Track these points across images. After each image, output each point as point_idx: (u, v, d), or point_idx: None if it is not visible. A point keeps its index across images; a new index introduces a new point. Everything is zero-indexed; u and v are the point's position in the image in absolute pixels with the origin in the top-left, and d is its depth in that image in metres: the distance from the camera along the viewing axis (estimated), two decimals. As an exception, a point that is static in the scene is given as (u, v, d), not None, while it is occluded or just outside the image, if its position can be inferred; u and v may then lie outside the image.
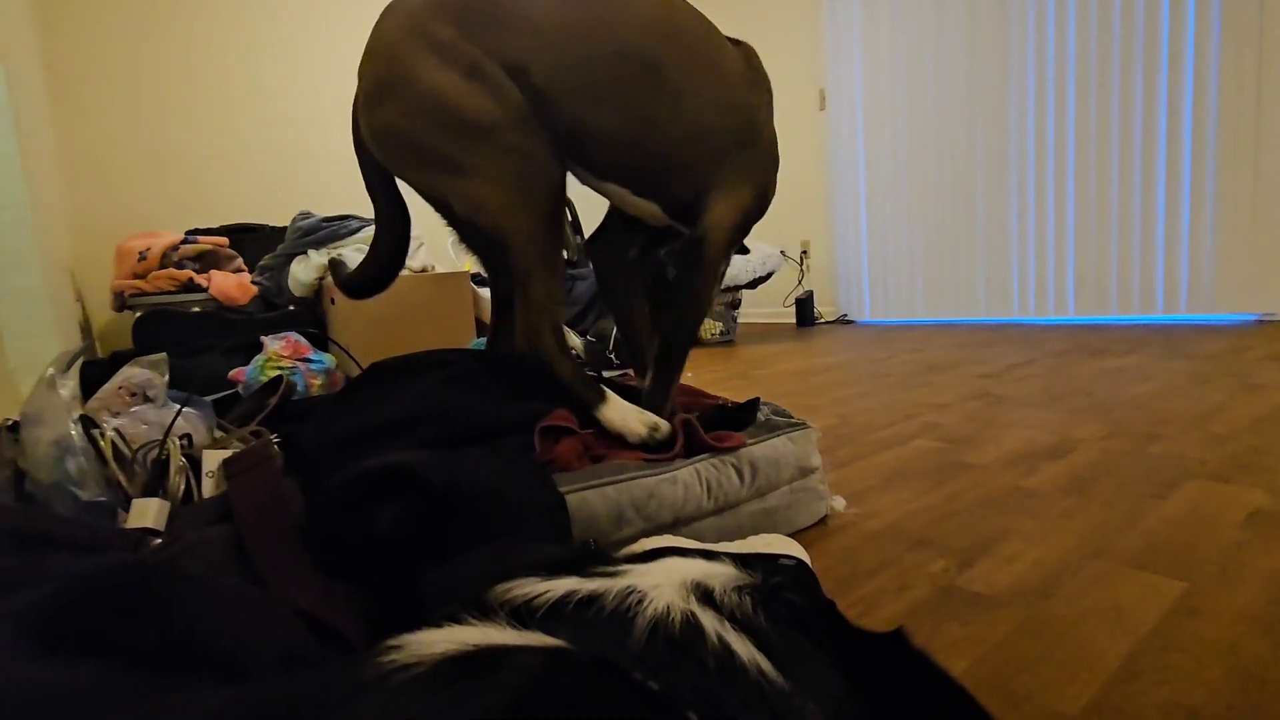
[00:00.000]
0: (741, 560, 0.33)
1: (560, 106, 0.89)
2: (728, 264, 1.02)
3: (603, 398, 0.87)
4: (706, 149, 0.95)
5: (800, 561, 0.52)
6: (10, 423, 0.77)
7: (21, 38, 2.19)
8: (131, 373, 0.86)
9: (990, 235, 3.45)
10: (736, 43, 1.01)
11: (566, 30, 0.89)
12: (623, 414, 0.86)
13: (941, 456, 1.19)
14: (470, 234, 1.07)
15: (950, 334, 3.09)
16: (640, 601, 0.27)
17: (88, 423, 0.72)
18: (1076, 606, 0.66)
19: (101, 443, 0.67)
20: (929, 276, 3.72)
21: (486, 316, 1.42)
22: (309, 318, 2.43)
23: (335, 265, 1.25)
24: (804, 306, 4.03)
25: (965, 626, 0.64)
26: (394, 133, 0.90)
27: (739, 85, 0.97)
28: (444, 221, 1.06)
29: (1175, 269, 2.92)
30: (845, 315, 4.10)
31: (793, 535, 0.84)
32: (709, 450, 0.84)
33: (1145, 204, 2.96)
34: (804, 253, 4.24)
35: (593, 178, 0.96)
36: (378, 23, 0.91)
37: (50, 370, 0.68)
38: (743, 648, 0.24)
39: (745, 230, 0.98)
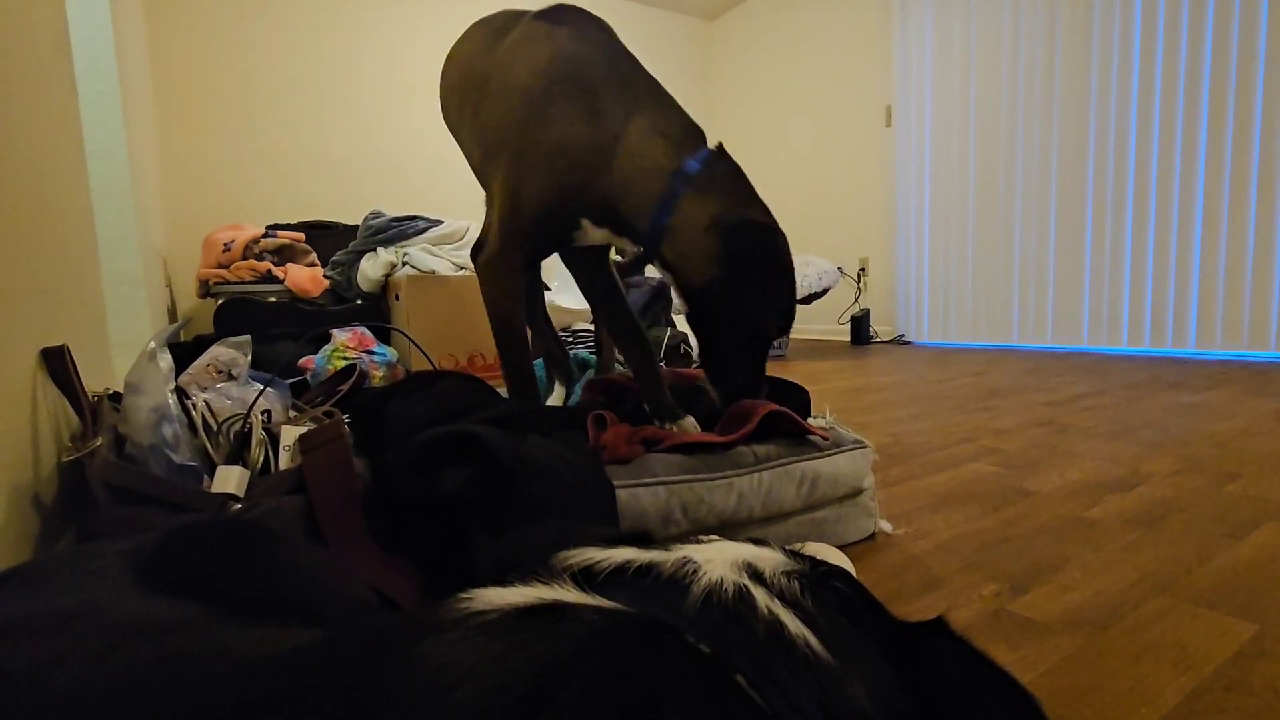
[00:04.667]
0: (790, 553, 0.34)
1: None
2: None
3: None
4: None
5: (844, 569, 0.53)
6: (111, 392, 0.84)
7: (133, 40, 2.37)
8: (219, 352, 0.92)
9: (1062, 260, 3.32)
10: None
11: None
12: None
13: (999, 482, 1.16)
14: None
15: (1014, 359, 2.99)
16: (695, 571, 0.28)
17: (180, 394, 0.78)
18: (1136, 640, 0.64)
19: (193, 413, 0.72)
20: (993, 300, 3.61)
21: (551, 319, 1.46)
22: (375, 312, 2.54)
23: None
24: (859, 324, 3.96)
25: (1015, 651, 0.63)
26: None
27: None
28: None
29: (1264, 302, 2.74)
30: (902, 335, 4.01)
31: (840, 549, 0.84)
32: (800, 435, 0.87)
33: (1232, 232, 2.80)
34: (862, 270, 4.18)
35: None
36: None
37: (151, 343, 0.74)
38: (792, 622, 0.25)
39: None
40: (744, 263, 0.85)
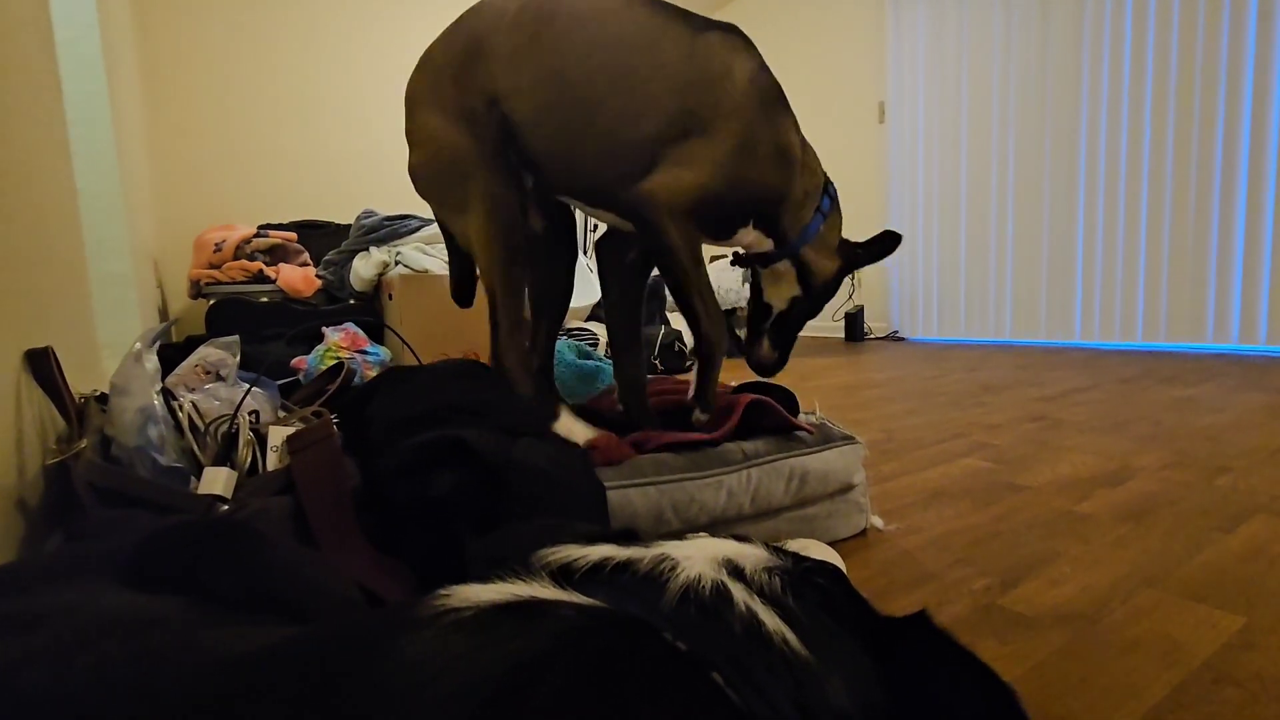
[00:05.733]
0: (773, 549, 0.34)
1: (521, 132, 0.99)
2: (691, 234, 0.98)
3: (556, 415, 0.93)
4: (635, 155, 0.97)
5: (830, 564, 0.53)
6: (98, 394, 0.83)
7: (122, 39, 2.35)
8: (207, 352, 0.91)
9: (1054, 255, 3.34)
10: (726, 28, 1.01)
11: (517, 60, 0.98)
12: (569, 427, 0.92)
13: (990, 477, 1.16)
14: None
15: (1008, 355, 2.99)
16: (673, 568, 0.28)
17: (167, 395, 0.78)
18: (1125, 634, 0.64)
19: (180, 414, 0.72)
20: (986, 295, 3.62)
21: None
22: (368, 312, 2.53)
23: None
24: (854, 321, 3.97)
25: (1004, 645, 0.63)
26: (418, 176, 1.07)
27: (668, 88, 0.97)
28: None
29: (1254, 297, 2.76)
30: (896, 332, 4.02)
31: (831, 545, 0.84)
32: (783, 427, 0.87)
33: (1223, 226, 2.81)
34: (856, 267, 4.18)
35: (554, 194, 1.05)
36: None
37: (137, 345, 0.74)
38: (770, 619, 0.25)
39: (704, 202, 0.96)
40: (852, 268, 1.06)
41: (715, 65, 0.98)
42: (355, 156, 3.52)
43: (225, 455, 0.72)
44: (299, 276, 2.61)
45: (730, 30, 1.02)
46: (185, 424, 0.72)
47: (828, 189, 1.04)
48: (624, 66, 0.98)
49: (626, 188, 0.96)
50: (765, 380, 1.10)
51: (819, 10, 4.19)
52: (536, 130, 1.01)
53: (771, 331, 1.11)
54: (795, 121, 1.01)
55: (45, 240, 0.86)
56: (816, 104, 4.28)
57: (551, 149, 1.01)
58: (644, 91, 0.97)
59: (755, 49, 1.02)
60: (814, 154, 1.04)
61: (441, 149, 1.03)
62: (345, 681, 0.20)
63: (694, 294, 0.97)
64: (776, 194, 0.99)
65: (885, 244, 1.04)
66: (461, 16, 1.08)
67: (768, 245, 1.04)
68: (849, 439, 0.93)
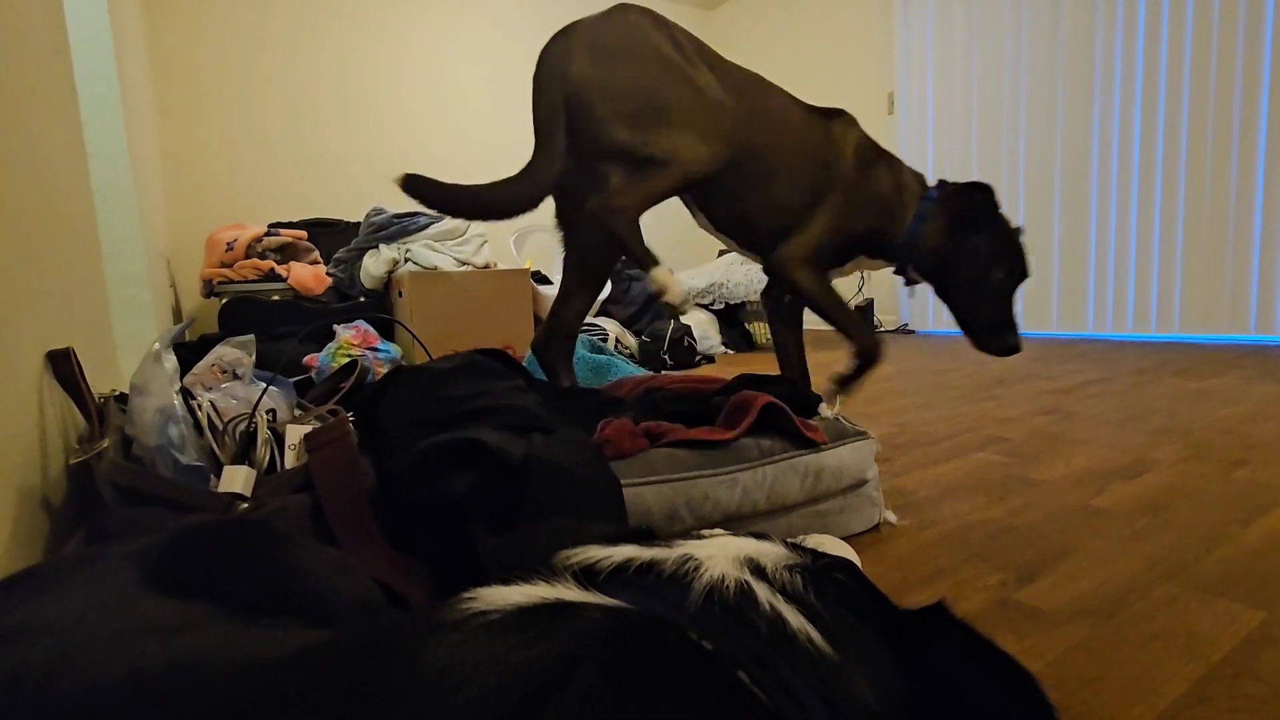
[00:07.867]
0: (792, 546, 0.34)
1: (730, 165, 1.11)
2: (822, 272, 1.24)
3: (657, 263, 1.02)
4: (785, 216, 1.20)
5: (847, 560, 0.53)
6: (117, 394, 0.84)
7: (133, 41, 2.37)
8: (223, 352, 0.92)
9: (1067, 246, 3.30)
10: (830, 113, 1.24)
11: (755, 113, 1.15)
12: (665, 279, 1.02)
13: (1004, 471, 1.15)
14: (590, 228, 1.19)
15: (1019, 347, 2.97)
16: (697, 569, 0.28)
17: (185, 395, 0.79)
18: (1143, 629, 0.64)
19: (199, 414, 0.73)
20: (998, 287, 3.58)
21: (544, 312, 1.46)
22: (378, 309, 2.55)
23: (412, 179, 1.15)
24: (864, 315, 3.94)
25: (1021, 640, 0.63)
26: (619, 82, 1.05)
27: (809, 163, 1.19)
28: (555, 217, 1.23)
29: (1271, 285, 2.72)
30: (906, 324, 4.00)
31: (845, 540, 0.84)
32: (797, 437, 0.87)
33: (1239, 215, 2.77)
34: (866, 260, 4.16)
35: (712, 227, 1.21)
36: (610, 18, 1.11)
37: (156, 345, 0.74)
38: (794, 617, 0.25)
39: (818, 251, 1.21)
40: (959, 225, 1.18)
41: (835, 148, 1.21)
42: (364, 154, 3.53)
43: (243, 454, 0.73)
44: (310, 274, 2.63)
45: (843, 115, 1.25)
46: (204, 423, 0.73)
47: (928, 194, 1.20)
48: (793, 151, 1.20)
49: (773, 242, 1.19)
50: (788, 379, 1.12)
51: (826, 1, 4.16)
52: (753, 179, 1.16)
53: (964, 323, 1.28)
54: (892, 166, 1.21)
55: (63, 242, 0.87)
56: (825, 95, 4.23)
57: (721, 194, 1.16)
58: (801, 169, 1.20)
59: (858, 124, 1.25)
60: (912, 173, 1.22)
61: (674, 62, 1.08)
62: (378, 687, 0.20)
63: (832, 315, 1.18)
64: (877, 233, 1.21)
65: (968, 198, 1.17)
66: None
67: (879, 263, 1.26)
68: (861, 434, 0.93)
